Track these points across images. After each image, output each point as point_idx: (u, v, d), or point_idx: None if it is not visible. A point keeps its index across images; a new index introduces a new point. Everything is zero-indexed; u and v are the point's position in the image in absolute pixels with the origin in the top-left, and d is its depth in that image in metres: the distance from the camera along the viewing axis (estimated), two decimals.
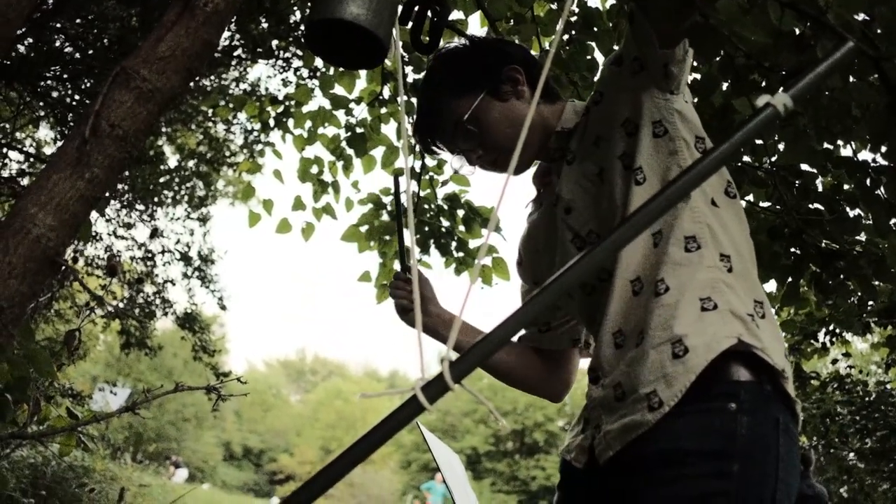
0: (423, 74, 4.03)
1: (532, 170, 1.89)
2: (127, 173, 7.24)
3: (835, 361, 8.01)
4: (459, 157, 1.80)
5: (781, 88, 1.00)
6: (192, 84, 6.48)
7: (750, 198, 3.21)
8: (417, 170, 4.55)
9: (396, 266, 4.53)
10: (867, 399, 7.78)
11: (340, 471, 0.95)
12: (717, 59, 2.55)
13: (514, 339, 1.93)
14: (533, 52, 3.44)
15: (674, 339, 1.42)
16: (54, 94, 5.59)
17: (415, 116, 1.84)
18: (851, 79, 2.16)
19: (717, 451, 1.36)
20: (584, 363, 1.95)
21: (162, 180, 8.61)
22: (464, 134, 1.73)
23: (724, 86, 2.63)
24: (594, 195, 1.65)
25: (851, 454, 8.38)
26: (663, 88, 1.58)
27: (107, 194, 1.46)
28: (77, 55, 5.33)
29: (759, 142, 2.90)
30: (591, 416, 1.59)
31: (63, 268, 1.64)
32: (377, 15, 1.28)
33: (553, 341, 1.91)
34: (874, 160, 2.71)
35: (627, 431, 1.43)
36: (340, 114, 4.58)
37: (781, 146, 2.93)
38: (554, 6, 3.62)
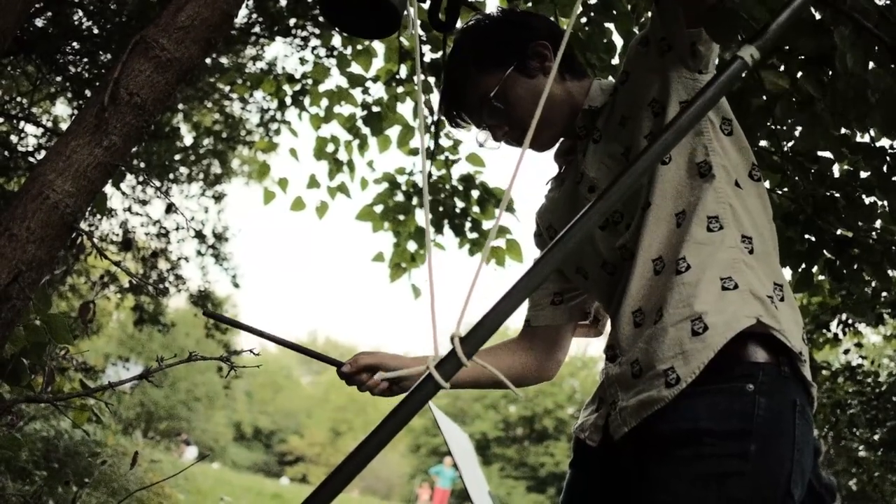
0: (440, 53, 4.03)
1: (555, 147, 1.88)
2: (143, 149, 7.26)
3: (846, 352, 7.97)
4: (485, 132, 1.79)
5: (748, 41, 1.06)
6: (208, 61, 6.50)
7: (766, 183, 3.19)
8: (432, 148, 4.56)
9: (410, 245, 4.54)
10: (878, 390, 7.74)
11: (369, 454, 0.97)
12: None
13: (523, 322, 1.92)
14: None
15: (693, 316, 1.43)
16: (72, 70, 5.60)
17: (441, 90, 1.81)
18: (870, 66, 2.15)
19: (735, 431, 1.37)
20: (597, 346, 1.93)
21: (177, 157, 8.64)
22: (490, 110, 1.71)
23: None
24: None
25: (861, 445, 8.36)
26: (691, 68, 1.57)
27: (122, 168, 1.47)
28: (95, 30, 5.34)
29: (775, 126, 2.89)
30: (606, 394, 1.59)
31: (78, 240, 1.65)
32: None
33: (562, 315, 1.87)
34: (892, 146, 2.70)
35: (644, 407, 1.44)
36: (357, 92, 4.59)
37: (798, 131, 2.92)
38: None
